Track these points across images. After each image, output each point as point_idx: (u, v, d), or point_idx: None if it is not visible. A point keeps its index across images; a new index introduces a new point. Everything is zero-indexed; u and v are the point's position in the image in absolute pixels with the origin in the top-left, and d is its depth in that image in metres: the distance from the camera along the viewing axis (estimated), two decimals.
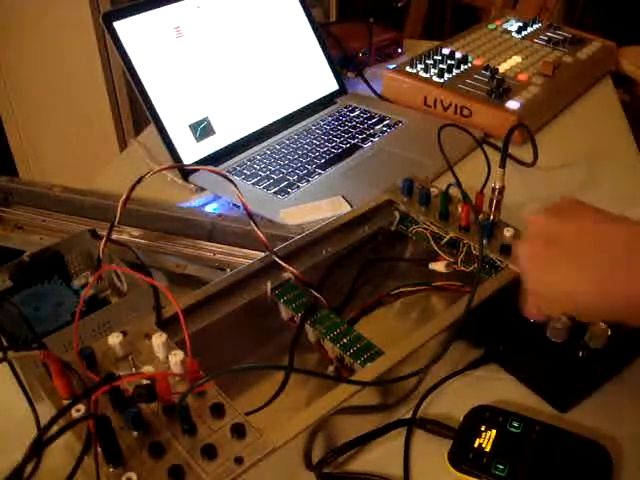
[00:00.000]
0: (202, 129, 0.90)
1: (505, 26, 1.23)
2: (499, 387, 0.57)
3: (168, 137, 0.86)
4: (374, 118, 1.01)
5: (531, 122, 0.94)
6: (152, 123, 0.86)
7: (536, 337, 0.56)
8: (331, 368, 0.57)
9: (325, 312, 0.58)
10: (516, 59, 1.10)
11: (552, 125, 1.02)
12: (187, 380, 0.48)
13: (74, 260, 0.67)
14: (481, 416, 0.52)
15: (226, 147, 0.92)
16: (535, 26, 1.23)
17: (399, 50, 1.26)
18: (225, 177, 0.59)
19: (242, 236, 0.71)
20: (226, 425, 0.45)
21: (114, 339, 0.50)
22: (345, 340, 0.55)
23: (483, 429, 0.51)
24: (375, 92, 1.09)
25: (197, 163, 0.87)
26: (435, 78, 1.03)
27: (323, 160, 0.90)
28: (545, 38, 1.19)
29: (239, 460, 0.43)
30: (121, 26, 0.84)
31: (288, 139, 0.95)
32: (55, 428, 0.40)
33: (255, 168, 0.89)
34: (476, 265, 0.60)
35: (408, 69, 1.06)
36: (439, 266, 0.65)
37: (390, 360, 0.51)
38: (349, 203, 0.79)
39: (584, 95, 1.11)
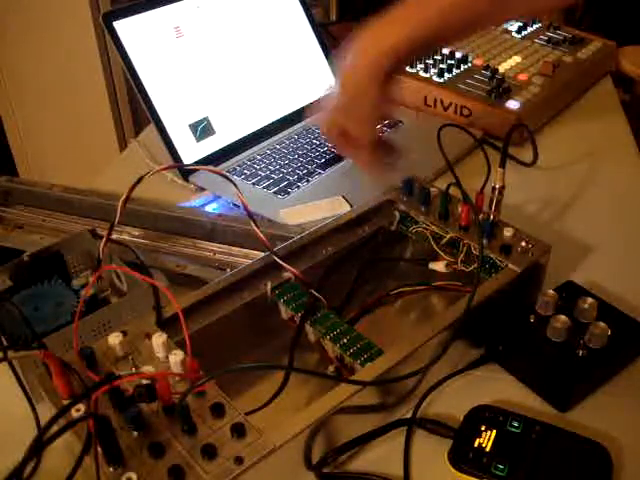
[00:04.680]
0: (202, 129, 0.90)
1: (505, 26, 1.23)
2: (499, 387, 0.57)
3: (168, 137, 0.86)
4: None
5: (531, 122, 0.94)
6: (152, 123, 0.86)
7: (536, 337, 0.56)
8: (331, 368, 0.57)
9: (325, 312, 0.58)
10: (516, 59, 1.10)
11: (552, 125, 1.02)
12: (187, 380, 0.48)
13: (74, 260, 0.67)
14: (481, 416, 0.52)
15: (226, 147, 0.91)
16: (535, 26, 1.23)
17: None
18: (225, 177, 0.59)
19: (242, 236, 0.71)
20: (226, 425, 0.45)
21: (114, 339, 0.50)
22: (345, 340, 0.55)
23: (483, 429, 0.51)
24: None
25: (197, 163, 0.87)
26: (435, 78, 1.03)
27: (323, 160, 0.90)
28: (545, 38, 1.19)
29: (239, 460, 0.43)
30: (121, 26, 0.84)
31: (288, 139, 0.95)
32: (55, 428, 0.40)
33: (255, 168, 0.89)
34: (476, 265, 0.60)
35: (408, 69, 1.06)
36: (439, 266, 0.65)
37: (390, 360, 0.51)
38: (349, 203, 0.79)
39: (584, 95, 1.11)
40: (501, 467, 0.48)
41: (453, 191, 0.65)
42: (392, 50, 0.57)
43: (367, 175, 0.67)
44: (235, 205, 0.81)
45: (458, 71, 1.05)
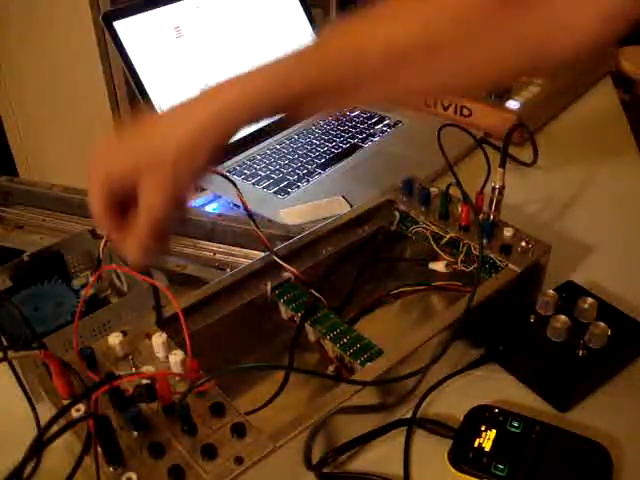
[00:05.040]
0: None
1: None
2: (499, 387, 0.57)
3: None
4: (374, 118, 1.01)
5: (531, 122, 0.94)
6: None
7: (536, 337, 0.56)
8: (331, 368, 0.57)
9: (325, 312, 0.58)
10: None
11: (552, 125, 1.02)
12: (187, 380, 0.48)
13: (74, 260, 0.67)
14: (481, 416, 0.52)
15: (226, 147, 0.91)
16: None
17: None
18: (225, 177, 0.59)
19: (242, 236, 0.71)
20: (226, 425, 0.45)
21: (114, 339, 0.50)
22: (345, 340, 0.55)
23: (483, 429, 0.51)
24: None
25: None
26: None
27: (323, 160, 0.90)
28: None
29: (239, 460, 0.43)
30: (121, 26, 0.84)
31: (288, 139, 0.95)
32: (55, 428, 0.40)
33: (255, 168, 0.89)
34: (476, 265, 0.60)
35: None
36: (439, 266, 0.65)
37: (390, 360, 0.51)
38: (349, 203, 0.79)
39: (584, 95, 1.11)
40: (501, 467, 0.48)
41: (453, 191, 0.65)
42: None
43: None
44: (235, 205, 0.81)
45: None
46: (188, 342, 0.47)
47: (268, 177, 0.86)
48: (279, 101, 0.48)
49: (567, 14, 0.45)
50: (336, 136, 0.96)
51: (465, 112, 0.98)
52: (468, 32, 0.47)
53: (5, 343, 0.55)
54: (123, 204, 0.46)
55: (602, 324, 0.55)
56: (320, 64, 0.47)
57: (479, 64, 0.49)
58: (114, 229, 0.47)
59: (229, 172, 0.87)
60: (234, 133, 0.48)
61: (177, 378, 0.48)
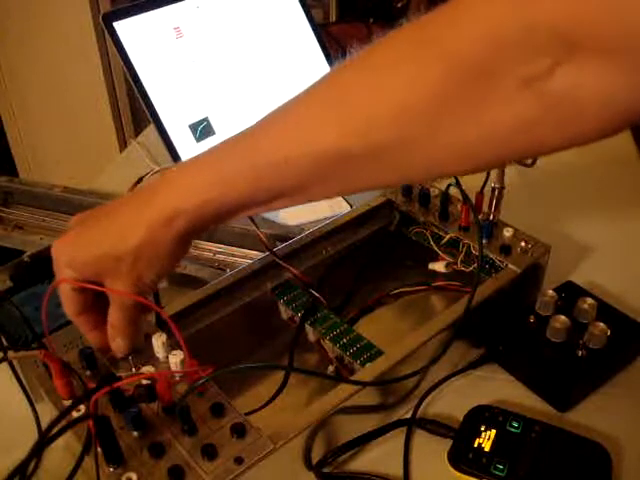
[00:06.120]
0: (202, 129, 0.89)
1: None
2: (499, 387, 0.57)
3: (168, 137, 0.86)
4: None
5: None
6: (152, 123, 0.86)
7: (536, 337, 0.57)
8: (331, 368, 0.57)
9: (325, 312, 0.58)
10: None
11: None
12: (187, 380, 0.48)
13: None
14: (481, 416, 0.52)
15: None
16: None
17: None
18: None
19: (242, 236, 0.71)
20: (226, 425, 0.45)
21: None
22: (345, 340, 0.55)
23: (483, 429, 0.51)
24: None
25: None
26: None
27: None
28: None
29: (239, 460, 0.43)
30: (121, 26, 0.84)
31: None
32: (55, 428, 0.40)
33: None
34: (476, 265, 0.60)
35: None
36: (439, 266, 0.65)
37: (390, 360, 0.51)
38: (349, 203, 0.79)
39: None
40: (501, 467, 0.48)
41: (453, 191, 0.65)
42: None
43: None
44: None
45: None
46: (184, 346, 0.47)
47: None
48: (225, 207, 0.46)
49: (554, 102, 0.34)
50: None
51: None
52: (415, 129, 0.37)
53: (5, 343, 0.55)
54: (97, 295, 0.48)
55: (602, 324, 0.55)
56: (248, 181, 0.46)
57: (440, 162, 0.40)
58: (89, 329, 0.50)
59: None
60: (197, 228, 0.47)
61: (177, 378, 0.48)
